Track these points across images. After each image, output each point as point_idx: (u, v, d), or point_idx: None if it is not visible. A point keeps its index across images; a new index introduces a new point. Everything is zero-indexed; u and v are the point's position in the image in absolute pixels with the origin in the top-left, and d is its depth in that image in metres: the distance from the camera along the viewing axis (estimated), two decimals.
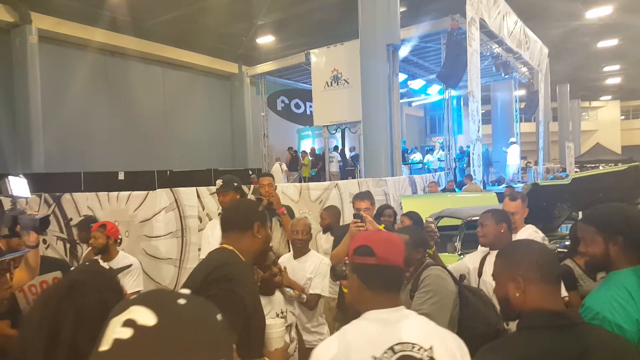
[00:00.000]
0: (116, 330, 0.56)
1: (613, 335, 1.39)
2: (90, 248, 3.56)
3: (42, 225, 2.13)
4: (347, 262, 2.02)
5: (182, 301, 0.63)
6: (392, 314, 1.36)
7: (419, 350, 1.30)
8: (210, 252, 1.90)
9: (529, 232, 3.34)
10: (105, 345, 0.56)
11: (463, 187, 10.35)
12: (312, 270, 3.19)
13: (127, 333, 0.55)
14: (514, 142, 15.89)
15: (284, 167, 14.96)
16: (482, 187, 11.07)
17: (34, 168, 12.43)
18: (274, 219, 4.01)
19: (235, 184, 3.66)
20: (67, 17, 13.63)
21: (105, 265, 3.13)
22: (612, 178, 3.65)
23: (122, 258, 3.51)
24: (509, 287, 1.35)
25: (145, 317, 0.56)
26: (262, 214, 1.91)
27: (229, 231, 1.87)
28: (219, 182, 3.53)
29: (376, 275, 1.38)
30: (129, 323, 0.56)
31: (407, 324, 1.35)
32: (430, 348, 1.30)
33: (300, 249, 3.26)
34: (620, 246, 1.65)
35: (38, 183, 9.38)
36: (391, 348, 1.29)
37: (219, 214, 3.70)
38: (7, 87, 12.91)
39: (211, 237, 3.44)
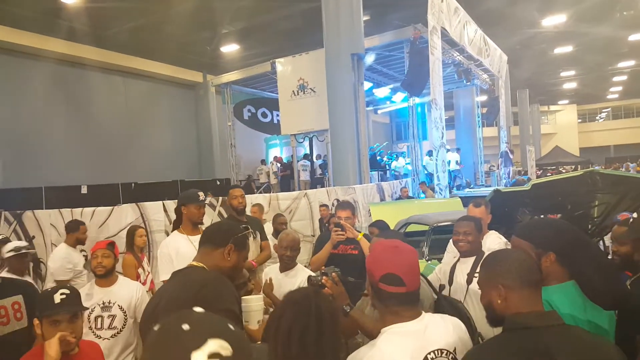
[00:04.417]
0: None
1: (592, 335, 1.41)
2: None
3: None
4: (323, 269, 2.07)
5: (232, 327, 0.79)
6: (418, 325, 1.45)
7: (446, 355, 1.43)
8: (180, 272, 1.86)
9: (493, 238, 3.39)
10: None
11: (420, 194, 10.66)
12: (300, 284, 3.18)
13: None
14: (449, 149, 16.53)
15: (274, 167, 14.99)
16: (447, 193, 11.30)
17: None
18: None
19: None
20: (22, 26, 13.11)
21: (104, 290, 2.90)
22: (570, 183, 3.76)
23: (123, 284, 3.06)
24: (492, 295, 1.42)
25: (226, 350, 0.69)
26: (240, 239, 1.88)
27: (204, 244, 1.88)
28: (201, 194, 3.38)
29: (404, 300, 1.46)
30: (214, 356, 0.68)
31: (433, 332, 1.45)
32: (454, 349, 1.44)
33: (288, 264, 3.24)
34: (552, 262, 1.69)
35: None
36: (425, 358, 1.39)
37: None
38: None
39: (175, 258, 3.10)
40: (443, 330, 1.48)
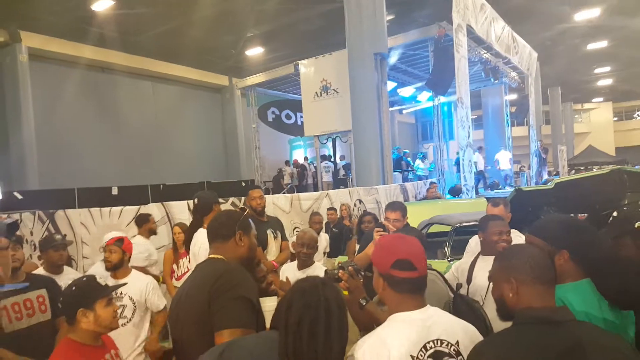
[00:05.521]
0: None
1: (604, 331, 1.40)
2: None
3: (9, 229, 2.11)
4: (339, 264, 2.11)
5: None
6: (421, 314, 1.50)
7: (447, 345, 1.46)
8: (200, 265, 1.96)
9: (514, 237, 3.30)
10: None
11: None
12: None
13: None
14: (502, 148, 16.06)
15: (294, 170, 15.41)
16: (474, 193, 11.09)
17: (28, 185, 12.39)
18: (268, 231, 4.06)
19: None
20: (56, 34, 13.67)
21: (116, 282, 3.02)
22: (595, 182, 3.63)
23: (134, 277, 3.24)
24: (503, 288, 1.43)
25: None
26: (244, 223, 1.96)
27: (213, 241, 1.96)
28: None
29: (413, 285, 1.52)
30: None
31: (435, 322, 1.49)
32: (457, 342, 1.47)
33: (305, 262, 3.30)
34: (566, 260, 1.68)
35: (33, 200, 9.41)
36: (424, 346, 1.44)
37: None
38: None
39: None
40: (447, 322, 1.52)
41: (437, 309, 1.56)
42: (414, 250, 1.54)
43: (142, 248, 4.54)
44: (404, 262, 1.50)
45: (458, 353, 1.46)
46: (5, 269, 2.32)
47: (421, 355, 1.43)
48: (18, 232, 4.32)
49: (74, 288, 2.09)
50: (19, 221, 4.30)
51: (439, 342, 1.45)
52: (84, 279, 2.17)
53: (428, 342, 1.44)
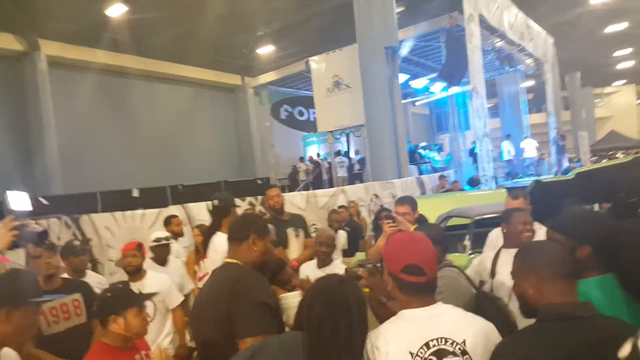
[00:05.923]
0: None
1: (628, 325, 1.37)
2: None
3: (40, 238, 2.16)
4: (359, 262, 2.12)
5: None
6: (428, 312, 1.49)
7: (452, 344, 1.43)
8: (215, 270, 2.01)
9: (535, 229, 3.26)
10: None
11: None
12: None
13: None
14: (527, 136, 15.79)
15: (310, 166, 15.41)
16: (493, 184, 10.94)
17: (52, 190, 12.61)
18: (289, 229, 4.07)
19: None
20: (71, 41, 13.85)
21: (135, 285, 3.04)
22: (617, 171, 3.55)
23: (151, 277, 3.37)
24: (524, 285, 1.44)
25: None
26: (260, 227, 1.97)
27: (231, 242, 2.00)
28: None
29: (421, 290, 1.52)
30: None
31: (442, 320, 1.47)
32: (463, 341, 1.43)
33: (324, 260, 3.34)
34: (588, 255, 1.66)
35: (58, 205, 9.62)
36: (426, 344, 1.43)
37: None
38: (21, 114, 13.13)
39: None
40: (456, 321, 1.49)
41: (449, 306, 1.54)
42: (424, 255, 1.53)
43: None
44: (413, 267, 1.50)
45: (464, 352, 1.42)
46: (39, 275, 2.41)
47: (422, 353, 1.42)
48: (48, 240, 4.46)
49: (108, 294, 2.16)
50: (48, 230, 4.41)
51: (443, 340, 1.43)
52: (120, 285, 2.25)
53: (431, 340, 1.43)
